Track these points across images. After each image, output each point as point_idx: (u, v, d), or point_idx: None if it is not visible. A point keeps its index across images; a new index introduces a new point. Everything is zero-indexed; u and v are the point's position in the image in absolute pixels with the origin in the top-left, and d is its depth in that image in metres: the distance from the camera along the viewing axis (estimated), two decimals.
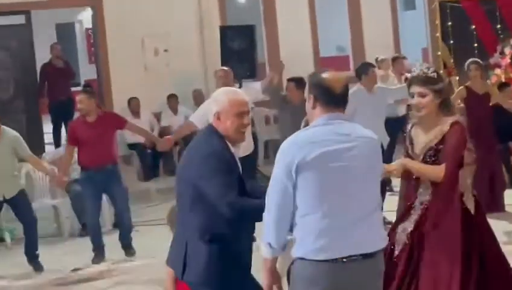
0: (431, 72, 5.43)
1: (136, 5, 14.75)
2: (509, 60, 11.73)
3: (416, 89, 5.45)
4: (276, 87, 10.51)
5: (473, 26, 12.49)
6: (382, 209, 4.54)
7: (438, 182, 5.38)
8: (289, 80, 10.31)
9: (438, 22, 12.72)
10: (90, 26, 17.54)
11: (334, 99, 4.22)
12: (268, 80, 10.22)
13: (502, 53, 12.33)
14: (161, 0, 15.08)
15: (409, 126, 5.67)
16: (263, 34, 16.33)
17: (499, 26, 12.43)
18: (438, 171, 5.35)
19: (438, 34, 12.74)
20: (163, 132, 15.01)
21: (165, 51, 15.10)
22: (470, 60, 10.66)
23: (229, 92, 4.76)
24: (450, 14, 12.53)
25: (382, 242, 4.28)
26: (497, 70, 12.16)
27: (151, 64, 15.08)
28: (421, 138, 5.52)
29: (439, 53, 12.79)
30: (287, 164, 4.10)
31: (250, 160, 9.41)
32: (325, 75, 4.28)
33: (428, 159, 5.46)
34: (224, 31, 13.66)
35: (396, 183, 12.40)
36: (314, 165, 4.07)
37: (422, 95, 5.41)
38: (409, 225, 5.53)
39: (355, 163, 4.13)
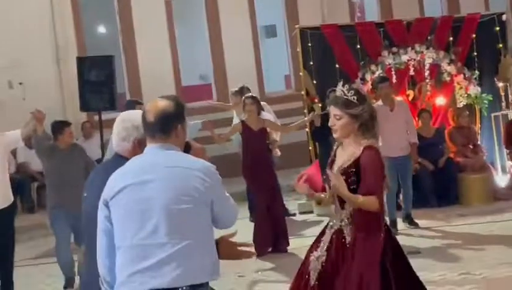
0: (351, 95, 5.19)
1: None
2: (370, 87, 11.76)
3: (332, 110, 5.27)
4: (43, 135, 9.12)
5: (335, 53, 12.47)
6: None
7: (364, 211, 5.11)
8: (61, 122, 9.49)
9: (299, 49, 12.64)
10: None
11: (147, 128, 4.06)
12: (30, 128, 8.88)
13: (363, 79, 12.41)
14: (15, 31, 14.58)
15: (335, 145, 5.44)
16: (123, 65, 15.99)
17: (359, 52, 12.49)
18: (373, 202, 5.07)
19: (300, 62, 12.66)
20: (20, 168, 14.41)
21: (20, 84, 14.59)
22: (246, 95, 10.67)
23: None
24: (311, 41, 12.46)
25: (206, 277, 3.90)
26: None
27: (5, 97, 14.52)
28: (339, 159, 5.30)
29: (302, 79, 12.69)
30: (103, 197, 3.96)
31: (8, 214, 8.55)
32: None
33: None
34: (82, 62, 13.21)
35: None
36: (118, 199, 3.90)
37: (337, 118, 5.21)
38: (322, 254, 5.24)
39: (157, 194, 3.85)
